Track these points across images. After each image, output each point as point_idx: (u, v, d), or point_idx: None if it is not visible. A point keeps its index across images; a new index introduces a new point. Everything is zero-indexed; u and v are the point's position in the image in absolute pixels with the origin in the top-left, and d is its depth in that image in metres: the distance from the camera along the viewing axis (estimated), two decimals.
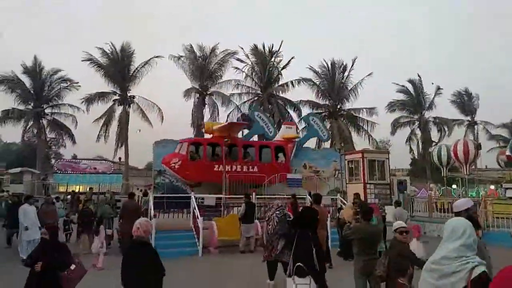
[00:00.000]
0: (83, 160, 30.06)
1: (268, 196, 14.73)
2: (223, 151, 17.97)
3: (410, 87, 39.01)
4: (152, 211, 11.99)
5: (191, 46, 32.18)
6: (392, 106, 40.13)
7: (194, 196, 13.09)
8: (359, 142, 35.39)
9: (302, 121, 27.76)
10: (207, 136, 20.16)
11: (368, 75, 35.14)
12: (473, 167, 25.00)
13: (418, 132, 39.22)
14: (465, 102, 41.82)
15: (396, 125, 39.68)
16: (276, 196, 13.89)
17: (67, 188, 25.09)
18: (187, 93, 31.68)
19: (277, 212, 7.69)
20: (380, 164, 16.81)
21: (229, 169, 17.68)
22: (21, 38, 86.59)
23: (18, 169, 27.45)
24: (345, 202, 15.19)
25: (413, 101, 38.91)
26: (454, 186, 30.17)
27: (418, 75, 38.94)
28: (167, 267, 4.32)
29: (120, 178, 28.84)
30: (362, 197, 15.76)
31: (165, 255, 11.52)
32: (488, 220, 15.51)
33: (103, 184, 26.14)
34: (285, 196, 15.01)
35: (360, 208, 6.68)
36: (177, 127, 49.30)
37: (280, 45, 34.98)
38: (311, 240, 4.56)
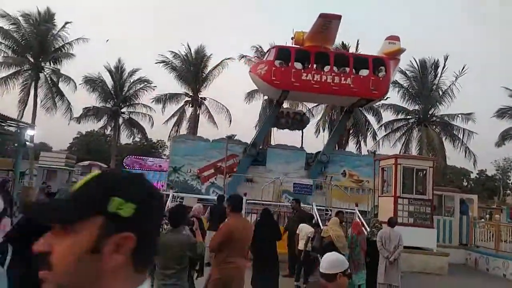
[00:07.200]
0: (149, 158, 31.17)
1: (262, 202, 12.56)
2: (312, 59, 16.91)
3: None
4: None
5: (260, 46, 31.08)
6: (503, 113, 33.33)
7: (173, 195, 11.77)
8: (453, 155, 30.09)
9: None
10: None
11: (462, 69, 29.48)
12: None
13: None
14: None
15: (505, 137, 32.74)
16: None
17: None
18: (250, 95, 30.62)
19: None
20: (421, 175, 13.27)
21: (319, 79, 16.77)
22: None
23: (87, 162, 29.62)
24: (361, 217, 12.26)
25: None
26: None
27: None
28: None
29: None
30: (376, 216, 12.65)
31: None
32: None
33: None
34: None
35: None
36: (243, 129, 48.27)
37: (358, 44, 31.70)
38: None
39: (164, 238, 4.11)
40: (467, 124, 29.87)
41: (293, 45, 17.88)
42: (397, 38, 18.31)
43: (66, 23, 30.96)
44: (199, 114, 32.75)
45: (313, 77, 16.74)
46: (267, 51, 18.31)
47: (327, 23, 16.05)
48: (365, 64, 17.47)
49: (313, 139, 31.07)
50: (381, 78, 17.33)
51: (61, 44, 31.13)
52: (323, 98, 19.04)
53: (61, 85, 30.58)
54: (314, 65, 17.28)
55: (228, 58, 32.23)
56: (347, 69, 17.40)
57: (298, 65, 17.46)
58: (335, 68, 17.27)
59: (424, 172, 13.18)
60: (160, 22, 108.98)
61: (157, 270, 4.10)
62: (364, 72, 17.49)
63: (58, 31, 30.76)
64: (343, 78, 16.92)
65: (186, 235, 4.29)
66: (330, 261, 2.83)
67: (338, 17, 15.82)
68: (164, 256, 4.03)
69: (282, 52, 17.42)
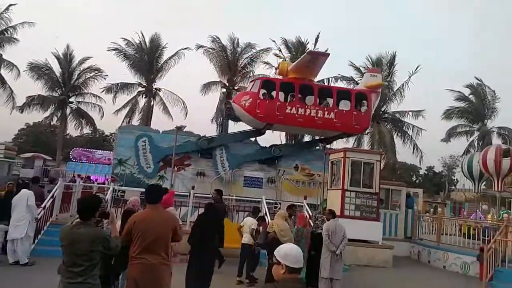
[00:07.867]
0: (98, 151, 29.90)
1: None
2: (296, 91, 17.09)
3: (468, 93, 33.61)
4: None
5: (218, 38, 30.46)
6: (450, 114, 34.84)
7: (114, 188, 11.17)
8: (404, 152, 31.13)
9: None
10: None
11: (416, 68, 30.41)
12: None
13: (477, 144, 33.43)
14: None
15: (451, 134, 34.33)
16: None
17: (73, 176, 24.81)
18: (206, 87, 30.00)
19: None
20: (368, 169, 13.43)
21: (303, 113, 17.01)
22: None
23: (30, 154, 28.00)
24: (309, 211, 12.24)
25: (474, 109, 33.36)
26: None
27: (477, 79, 33.37)
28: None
29: None
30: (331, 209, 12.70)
31: (48, 253, 9.87)
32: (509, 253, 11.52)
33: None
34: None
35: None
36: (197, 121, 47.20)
37: (317, 39, 31.67)
38: None
39: (71, 232, 3.68)
40: (417, 120, 30.87)
41: (277, 77, 18.26)
42: (378, 71, 19.22)
43: (10, 5, 28.95)
44: (153, 105, 31.73)
45: (297, 111, 16.92)
46: (252, 82, 18.52)
47: (314, 59, 16.42)
48: (348, 98, 17.86)
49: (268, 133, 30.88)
50: (363, 113, 17.68)
51: (3, 28, 29.05)
52: (306, 130, 19.55)
53: (3, 71, 28.60)
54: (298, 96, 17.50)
55: (185, 48, 31.41)
56: (330, 101, 17.63)
57: (281, 96, 17.78)
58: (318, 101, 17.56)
59: (372, 165, 13.34)
60: (117, 9, 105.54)
61: (63, 267, 3.67)
62: (346, 106, 17.79)
63: (0, 13, 28.67)
64: (326, 113, 17.18)
65: (96, 228, 3.86)
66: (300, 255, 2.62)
67: (326, 55, 16.31)
68: (71, 252, 3.60)
69: (267, 84, 17.56)
